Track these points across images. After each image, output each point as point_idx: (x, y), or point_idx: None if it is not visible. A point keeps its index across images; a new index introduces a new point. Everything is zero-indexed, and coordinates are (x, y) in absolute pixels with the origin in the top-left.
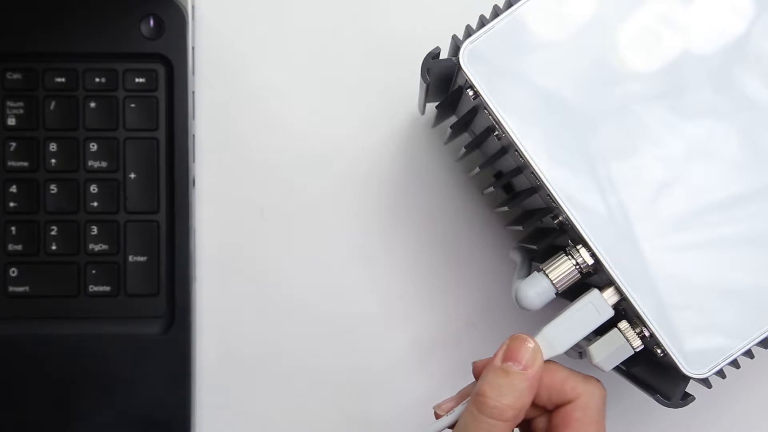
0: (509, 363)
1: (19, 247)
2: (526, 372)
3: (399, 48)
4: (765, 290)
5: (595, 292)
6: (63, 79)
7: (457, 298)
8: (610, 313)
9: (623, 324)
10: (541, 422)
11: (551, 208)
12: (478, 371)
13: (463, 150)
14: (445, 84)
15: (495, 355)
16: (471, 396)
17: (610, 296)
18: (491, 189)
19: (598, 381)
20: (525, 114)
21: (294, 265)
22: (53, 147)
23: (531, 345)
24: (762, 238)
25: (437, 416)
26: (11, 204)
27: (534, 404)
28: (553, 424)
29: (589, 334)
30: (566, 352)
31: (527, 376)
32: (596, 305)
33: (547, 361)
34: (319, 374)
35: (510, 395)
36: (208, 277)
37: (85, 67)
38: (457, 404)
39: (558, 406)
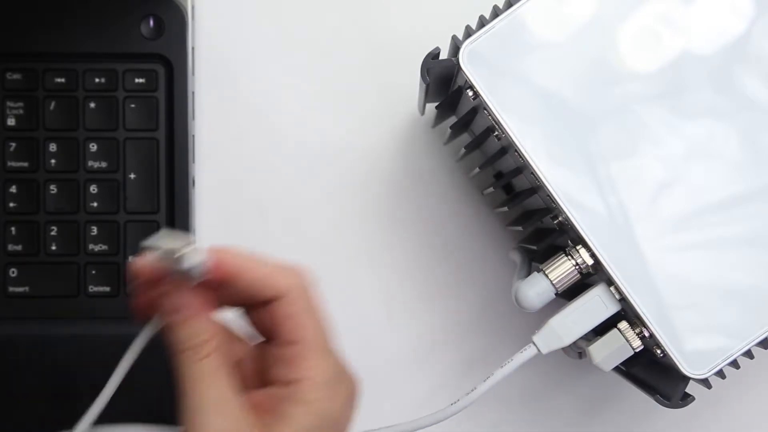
0: (178, 314)
1: (19, 248)
2: (198, 308)
3: (399, 48)
4: (765, 290)
5: (602, 285)
6: (63, 80)
7: (457, 298)
8: (617, 306)
9: (623, 324)
10: (258, 317)
11: (551, 208)
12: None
13: (463, 150)
14: (444, 84)
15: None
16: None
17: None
18: (491, 189)
19: (300, 269)
20: (525, 114)
21: None
22: (53, 147)
23: (179, 288)
24: (762, 238)
25: (135, 269)
26: (11, 204)
27: (244, 301)
28: (268, 326)
29: (588, 334)
30: (566, 352)
31: (201, 311)
32: (603, 298)
33: (245, 257)
34: None
35: (202, 332)
36: None
37: (85, 67)
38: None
39: (265, 304)
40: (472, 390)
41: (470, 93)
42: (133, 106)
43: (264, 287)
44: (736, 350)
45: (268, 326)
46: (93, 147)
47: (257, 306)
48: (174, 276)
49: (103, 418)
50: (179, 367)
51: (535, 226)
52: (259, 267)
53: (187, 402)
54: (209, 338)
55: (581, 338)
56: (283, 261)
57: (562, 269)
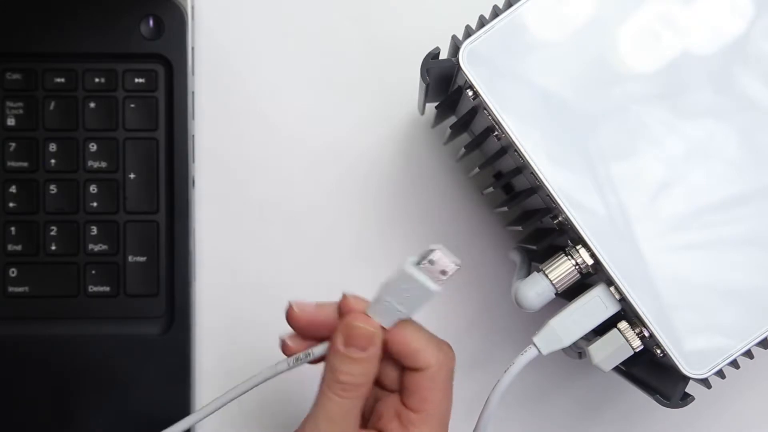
0: (352, 348)
1: (18, 248)
2: (369, 352)
3: (399, 48)
4: (765, 290)
5: (602, 285)
6: (62, 80)
7: (457, 298)
8: (617, 306)
9: (623, 324)
10: (390, 376)
11: (551, 208)
12: (301, 321)
13: (463, 150)
14: (444, 84)
15: (336, 337)
16: (324, 375)
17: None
18: (491, 189)
19: (450, 350)
20: (524, 114)
21: (294, 265)
22: (53, 147)
23: (370, 328)
24: (762, 238)
25: (283, 345)
26: (11, 204)
27: (385, 362)
28: (404, 385)
29: (588, 334)
30: (566, 352)
31: (370, 355)
32: (603, 298)
33: (406, 321)
34: (319, 374)
35: (358, 376)
36: (208, 277)
37: (85, 67)
38: (322, 313)
39: (410, 369)
40: (486, 401)
41: (470, 93)
42: (132, 106)
43: (417, 358)
44: (736, 350)
45: (401, 385)
46: (93, 147)
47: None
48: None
49: (104, 423)
50: (324, 390)
51: (534, 226)
52: (417, 334)
53: (320, 414)
54: (364, 383)
55: (581, 338)
56: (434, 336)
57: (562, 269)
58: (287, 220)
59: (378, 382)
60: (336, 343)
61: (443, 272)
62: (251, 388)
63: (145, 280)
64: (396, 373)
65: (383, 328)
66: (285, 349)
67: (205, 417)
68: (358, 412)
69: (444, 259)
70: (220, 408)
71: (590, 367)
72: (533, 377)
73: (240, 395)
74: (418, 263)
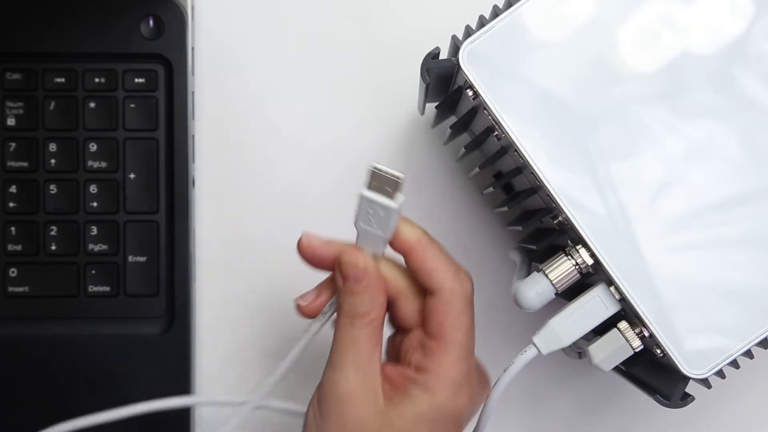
0: (349, 282)
1: (18, 248)
2: (365, 282)
3: (399, 48)
4: (765, 290)
5: (602, 285)
6: (62, 80)
7: None
8: (617, 306)
9: (623, 324)
10: (411, 305)
11: (551, 208)
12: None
13: (463, 150)
14: (444, 84)
15: (335, 276)
16: (337, 314)
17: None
18: (491, 189)
19: (467, 277)
20: (524, 114)
21: (294, 265)
22: (53, 147)
23: (359, 260)
24: (762, 238)
25: (299, 308)
26: (11, 204)
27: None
28: (424, 313)
29: (588, 334)
30: (566, 352)
31: (368, 284)
32: (603, 298)
33: (425, 243)
34: (320, 373)
35: (361, 306)
36: (208, 277)
37: (85, 67)
38: (317, 296)
39: (428, 292)
40: (486, 399)
41: (470, 93)
42: (132, 106)
43: (431, 277)
44: (736, 350)
45: (421, 314)
46: (93, 147)
47: (416, 295)
48: (368, 230)
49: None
50: (336, 327)
51: (534, 226)
52: (434, 255)
53: (332, 358)
54: (370, 311)
55: (581, 338)
56: (455, 261)
57: (562, 269)
58: (287, 220)
59: (403, 324)
60: (336, 282)
61: (391, 186)
62: (298, 354)
63: (145, 280)
64: (419, 307)
65: (405, 248)
66: (300, 310)
67: (265, 395)
68: (372, 343)
69: (383, 175)
70: (275, 383)
71: (590, 367)
72: (533, 377)
73: (290, 366)
74: (369, 187)
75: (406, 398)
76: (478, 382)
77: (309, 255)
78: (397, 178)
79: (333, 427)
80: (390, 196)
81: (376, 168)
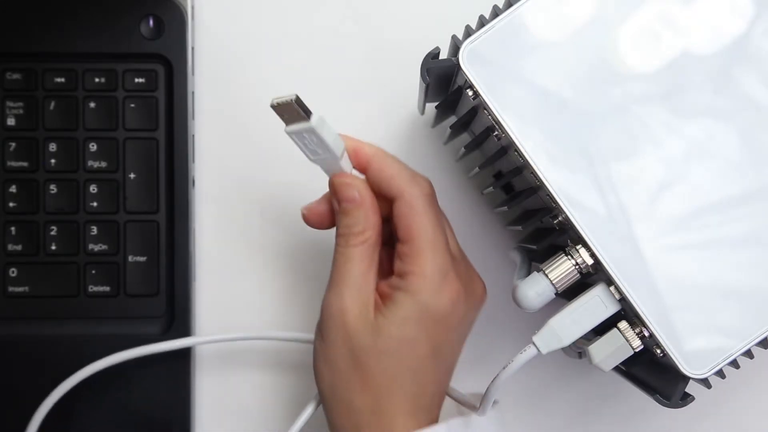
0: (342, 203)
1: (18, 247)
2: (356, 199)
3: (399, 48)
4: (765, 290)
5: (602, 285)
6: (62, 80)
7: None
8: (617, 306)
9: (623, 324)
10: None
11: (551, 208)
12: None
13: (463, 150)
14: (444, 84)
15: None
16: (335, 237)
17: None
18: (491, 189)
19: (424, 179)
20: (525, 114)
21: (294, 265)
22: (53, 147)
23: (345, 179)
24: (762, 238)
25: (303, 216)
26: (11, 204)
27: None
28: (393, 221)
29: (588, 334)
30: (566, 352)
31: (360, 202)
32: (603, 298)
33: (381, 155)
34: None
35: (354, 225)
36: (208, 277)
37: (85, 67)
38: (318, 204)
39: (393, 201)
40: (484, 396)
41: (470, 93)
42: (132, 106)
43: (390, 185)
44: (736, 350)
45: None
46: (93, 147)
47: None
48: (307, 141)
49: (104, 423)
50: (335, 250)
51: (534, 226)
52: (391, 164)
53: (332, 275)
54: (364, 230)
55: (581, 338)
56: (409, 168)
57: (561, 269)
58: (287, 220)
59: (385, 239)
60: (333, 207)
61: (297, 111)
62: None
63: (145, 280)
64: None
65: (364, 162)
66: (305, 218)
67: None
68: (367, 262)
69: (284, 105)
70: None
71: (590, 367)
72: (533, 377)
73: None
74: (286, 123)
75: (391, 304)
76: (467, 285)
77: (315, 219)
78: (291, 99)
79: (332, 345)
80: (304, 119)
81: (274, 104)
